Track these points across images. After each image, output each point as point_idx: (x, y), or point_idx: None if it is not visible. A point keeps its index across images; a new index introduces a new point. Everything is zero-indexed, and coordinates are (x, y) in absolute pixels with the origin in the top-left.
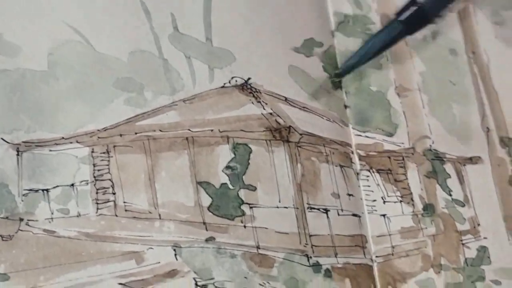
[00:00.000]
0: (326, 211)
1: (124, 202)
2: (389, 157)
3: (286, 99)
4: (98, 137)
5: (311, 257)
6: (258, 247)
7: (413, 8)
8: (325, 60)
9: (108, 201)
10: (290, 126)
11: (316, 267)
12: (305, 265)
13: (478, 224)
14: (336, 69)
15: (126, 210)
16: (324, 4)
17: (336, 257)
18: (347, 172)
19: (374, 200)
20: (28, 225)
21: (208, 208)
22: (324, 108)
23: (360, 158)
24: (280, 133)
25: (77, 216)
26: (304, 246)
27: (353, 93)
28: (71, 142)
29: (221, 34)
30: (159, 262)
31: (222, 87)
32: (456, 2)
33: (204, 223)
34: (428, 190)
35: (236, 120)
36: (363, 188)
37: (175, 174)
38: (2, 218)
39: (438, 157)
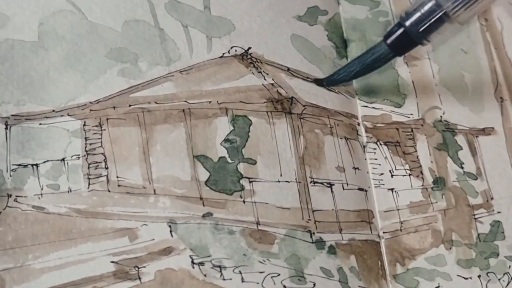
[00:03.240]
0: (331, 185)
1: (117, 177)
2: (397, 129)
3: (288, 69)
4: (91, 110)
5: (314, 233)
6: (258, 223)
7: (399, 31)
8: (329, 29)
9: (101, 176)
10: (292, 97)
11: (320, 243)
12: (307, 242)
13: (492, 198)
14: (342, 39)
15: (119, 185)
16: None
17: (340, 233)
18: (352, 145)
19: (382, 174)
20: (17, 201)
21: (206, 182)
22: None
23: (367, 130)
24: (282, 104)
25: (68, 191)
26: (307, 221)
27: None
28: (62, 115)
29: (220, 2)
30: (153, 239)
31: (221, 57)
32: (444, 28)
33: (201, 198)
34: (438, 163)
35: (236, 91)
36: (370, 161)
37: (170, 148)
38: None
39: (449, 129)
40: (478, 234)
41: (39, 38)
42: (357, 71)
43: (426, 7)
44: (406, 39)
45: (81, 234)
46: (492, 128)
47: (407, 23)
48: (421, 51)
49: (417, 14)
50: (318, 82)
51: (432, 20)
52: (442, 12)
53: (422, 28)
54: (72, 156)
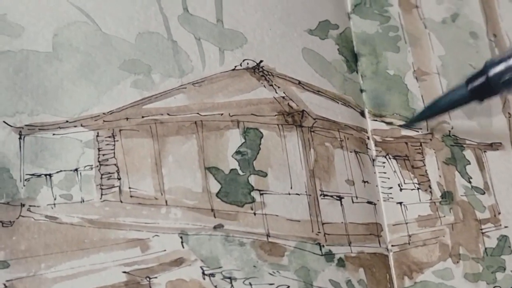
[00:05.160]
0: (340, 198)
1: (130, 188)
2: (406, 143)
3: (299, 82)
4: (104, 121)
5: (323, 246)
6: (268, 235)
7: (481, 79)
8: (340, 43)
9: (113, 186)
10: (303, 110)
11: (329, 256)
12: (317, 254)
13: (499, 213)
14: (353, 53)
15: (131, 196)
16: None
17: (349, 246)
18: (362, 158)
19: (390, 188)
20: (30, 211)
21: (217, 194)
22: (339, 92)
23: (376, 144)
24: (293, 117)
25: (81, 202)
26: (317, 234)
27: (370, 76)
28: (75, 126)
29: (233, 15)
30: (165, 250)
31: (233, 70)
32: None
33: (212, 210)
34: (446, 177)
35: (247, 103)
36: (379, 175)
37: (182, 159)
38: (2, 203)
39: (457, 143)
40: (486, 248)
41: (53, 49)
42: (437, 111)
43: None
44: (487, 87)
45: (93, 244)
46: (500, 143)
47: (491, 72)
48: (430, 66)
49: (502, 66)
50: (404, 126)
51: None
52: None
53: (504, 80)
54: (85, 167)
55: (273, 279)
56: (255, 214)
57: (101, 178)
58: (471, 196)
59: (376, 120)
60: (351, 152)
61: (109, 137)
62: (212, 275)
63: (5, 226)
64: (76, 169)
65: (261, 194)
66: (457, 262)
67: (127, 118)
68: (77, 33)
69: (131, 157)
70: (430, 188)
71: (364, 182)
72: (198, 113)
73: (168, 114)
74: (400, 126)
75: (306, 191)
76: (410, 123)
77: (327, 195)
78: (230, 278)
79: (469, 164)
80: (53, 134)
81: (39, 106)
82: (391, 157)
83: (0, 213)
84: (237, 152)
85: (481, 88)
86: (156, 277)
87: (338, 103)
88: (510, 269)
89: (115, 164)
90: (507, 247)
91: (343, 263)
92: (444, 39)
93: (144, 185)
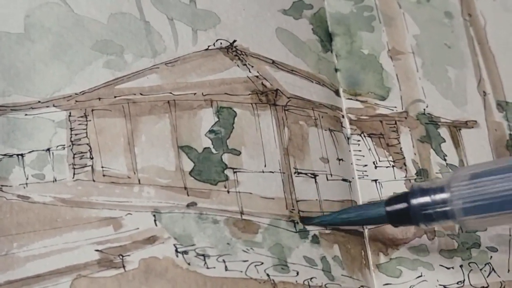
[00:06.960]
0: (314, 176)
1: (102, 167)
2: (381, 121)
3: (273, 62)
4: (76, 101)
5: (297, 223)
6: (242, 213)
7: (402, 205)
8: (315, 23)
9: (86, 166)
10: (277, 89)
11: (303, 233)
12: (291, 231)
13: None
14: (327, 33)
15: (104, 175)
16: None
17: None
18: (337, 137)
19: (365, 165)
20: (2, 190)
21: (190, 172)
22: (314, 71)
23: (351, 122)
24: (267, 96)
25: (53, 181)
26: (291, 211)
27: (344, 56)
28: (47, 106)
29: None
30: (138, 228)
31: (206, 49)
32: (447, 223)
33: (185, 188)
34: (421, 155)
35: (221, 83)
36: (354, 152)
37: (155, 138)
38: None
39: (432, 121)
40: None
41: (25, 30)
42: (348, 221)
43: (438, 196)
44: (405, 215)
45: (66, 223)
46: (475, 121)
47: (413, 201)
48: (405, 45)
49: (426, 198)
50: (304, 222)
51: (438, 213)
52: (450, 210)
53: (425, 213)
54: (57, 146)
55: (247, 256)
56: (228, 192)
57: (74, 157)
58: (446, 174)
59: (350, 99)
60: (325, 130)
61: (82, 117)
62: (186, 252)
63: None
64: (48, 149)
65: (234, 172)
66: (432, 238)
67: (99, 98)
68: (49, 14)
69: (103, 137)
70: (405, 165)
71: (339, 160)
72: (171, 93)
73: (141, 94)
74: (302, 221)
75: (280, 169)
76: (312, 222)
77: (301, 173)
78: (203, 255)
79: (444, 142)
80: (25, 115)
81: (11, 87)
82: (366, 135)
83: None
84: (211, 131)
85: (399, 213)
86: (129, 255)
87: (312, 82)
88: (484, 245)
89: (87, 144)
90: None
91: (317, 240)
92: (419, 18)
93: (116, 164)
